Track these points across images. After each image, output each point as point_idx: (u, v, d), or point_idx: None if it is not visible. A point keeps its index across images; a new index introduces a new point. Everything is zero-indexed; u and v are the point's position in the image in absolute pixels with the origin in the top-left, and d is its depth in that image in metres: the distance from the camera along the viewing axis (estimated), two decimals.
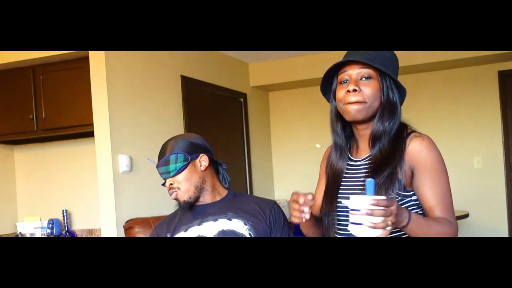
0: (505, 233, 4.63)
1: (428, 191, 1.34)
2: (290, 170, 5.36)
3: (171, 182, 1.79)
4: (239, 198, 1.89)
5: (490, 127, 4.70)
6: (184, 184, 1.78)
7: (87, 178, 3.52)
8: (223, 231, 1.76)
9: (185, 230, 1.81)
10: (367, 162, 1.42)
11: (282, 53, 4.67)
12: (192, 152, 1.80)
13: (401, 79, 1.43)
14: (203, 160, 1.82)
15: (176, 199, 1.82)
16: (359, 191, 1.37)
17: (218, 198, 1.86)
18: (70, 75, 3.23)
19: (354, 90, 1.35)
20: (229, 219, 1.79)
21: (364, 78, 1.36)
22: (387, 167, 1.34)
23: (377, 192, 1.26)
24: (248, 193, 4.76)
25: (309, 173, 5.41)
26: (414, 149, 1.35)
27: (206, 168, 1.83)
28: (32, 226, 3.57)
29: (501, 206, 4.67)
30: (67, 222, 3.46)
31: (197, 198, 1.82)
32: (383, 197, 1.13)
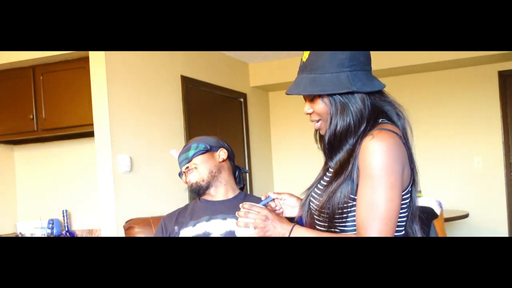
0: (505, 233, 4.63)
1: (359, 199, 1.21)
2: (290, 170, 5.36)
3: (188, 165, 1.85)
4: (250, 199, 1.90)
5: (490, 127, 4.70)
6: (200, 165, 1.84)
7: (87, 178, 3.52)
8: (230, 231, 1.77)
9: (193, 225, 1.83)
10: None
11: (282, 53, 4.67)
12: (214, 146, 1.90)
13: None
14: (222, 152, 1.90)
15: (189, 181, 1.86)
16: (326, 194, 1.31)
17: (230, 195, 1.88)
18: (70, 75, 3.23)
19: (308, 113, 1.34)
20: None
21: (310, 99, 1.32)
22: (342, 173, 1.26)
23: (330, 199, 1.27)
24: (248, 192, 4.76)
25: (309, 173, 5.43)
26: (362, 148, 1.22)
27: (224, 161, 1.89)
28: (32, 226, 3.57)
29: (501, 206, 4.67)
30: (67, 222, 3.46)
31: (208, 184, 1.85)
32: (258, 205, 1.35)
